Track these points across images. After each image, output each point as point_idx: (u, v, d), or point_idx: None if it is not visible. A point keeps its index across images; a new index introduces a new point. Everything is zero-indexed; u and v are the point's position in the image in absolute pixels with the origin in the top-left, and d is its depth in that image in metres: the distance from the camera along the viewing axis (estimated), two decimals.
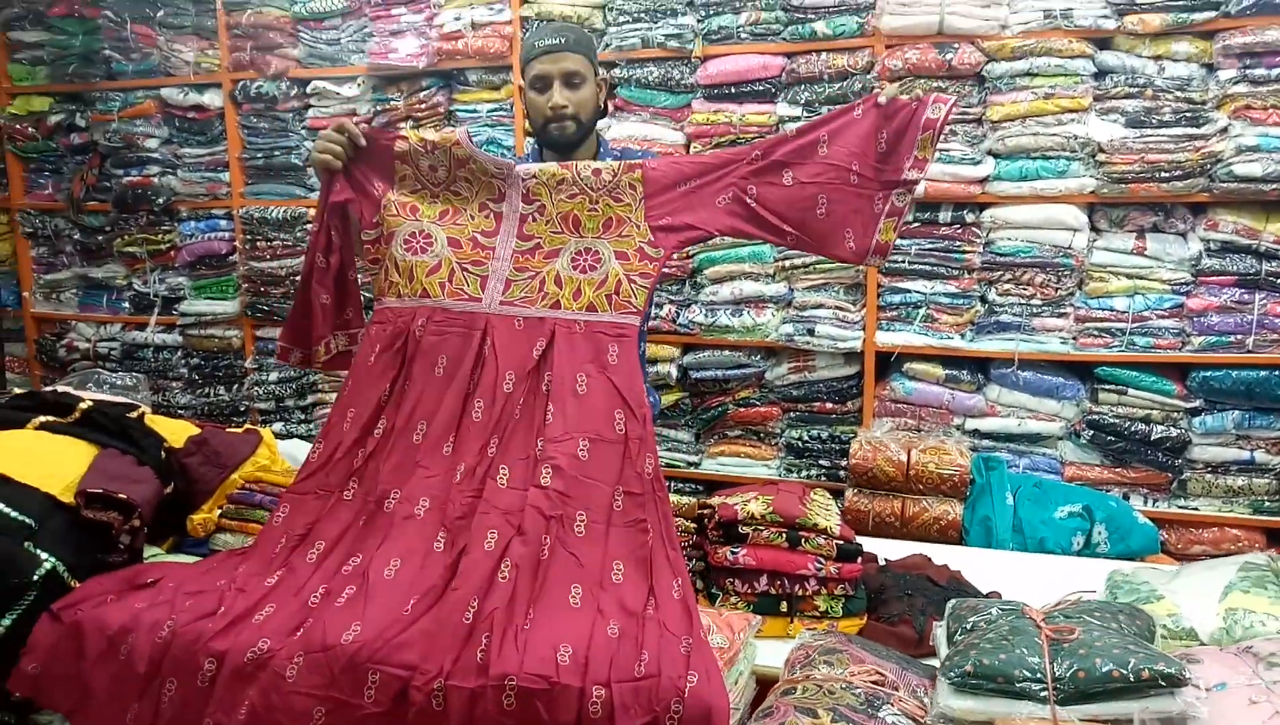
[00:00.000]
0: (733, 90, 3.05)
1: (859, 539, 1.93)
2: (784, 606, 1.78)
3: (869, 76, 2.91)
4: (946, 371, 3.02)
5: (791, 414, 3.21)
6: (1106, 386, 2.88)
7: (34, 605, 1.64)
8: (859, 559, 1.79)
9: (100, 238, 4.03)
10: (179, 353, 3.98)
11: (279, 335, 1.92)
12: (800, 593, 1.77)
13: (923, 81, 2.85)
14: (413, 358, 1.72)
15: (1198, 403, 2.81)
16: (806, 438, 3.18)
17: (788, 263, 3.08)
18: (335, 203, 1.81)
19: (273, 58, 3.55)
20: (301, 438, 3.74)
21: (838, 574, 1.76)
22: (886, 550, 2.15)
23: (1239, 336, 2.75)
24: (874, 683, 1.42)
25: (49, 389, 2.29)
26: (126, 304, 4.06)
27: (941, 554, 2.18)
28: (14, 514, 1.71)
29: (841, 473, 3.08)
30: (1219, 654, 1.39)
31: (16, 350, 4.35)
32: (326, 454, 1.70)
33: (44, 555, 1.68)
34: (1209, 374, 2.77)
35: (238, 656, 1.41)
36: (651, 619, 1.40)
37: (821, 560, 1.76)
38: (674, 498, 1.87)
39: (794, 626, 1.75)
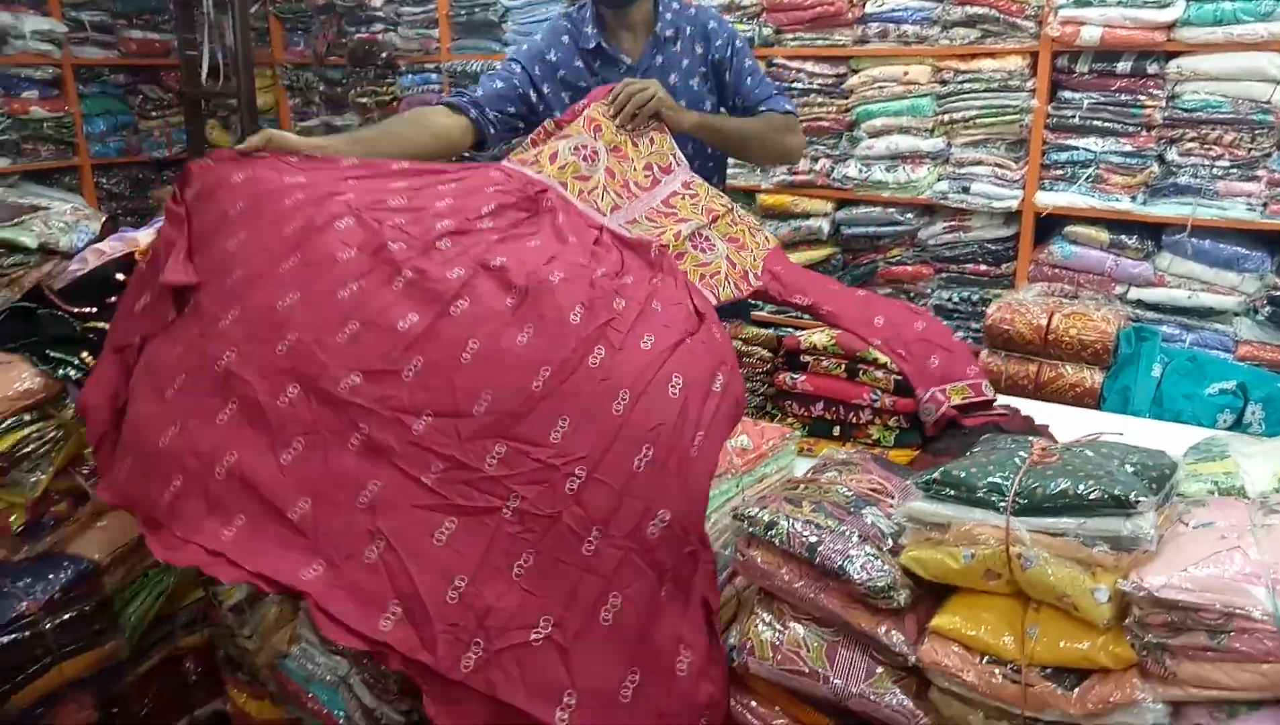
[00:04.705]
0: None
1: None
2: (836, 431, 1.90)
3: None
4: (1112, 236, 2.84)
5: (943, 275, 3.17)
6: None
7: None
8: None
9: (339, 89, 4.58)
10: None
11: None
12: (854, 421, 1.88)
13: None
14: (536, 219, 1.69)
15: None
16: (956, 299, 3.13)
17: (948, 117, 2.98)
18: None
19: None
20: None
21: (893, 406, 1.84)
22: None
23: None
24: (871, 490, 1.54)
25: None
26: None
27: (1065, 414, 2.14)
28: None
29: None
30: (1233, 503, 1.37)
31: None
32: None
33: None
34: None
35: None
36: None
37: (878, 392, 1.85)
38: (752, 329, 2.02)
39: (846, 448, 1.87)
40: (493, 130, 2.11)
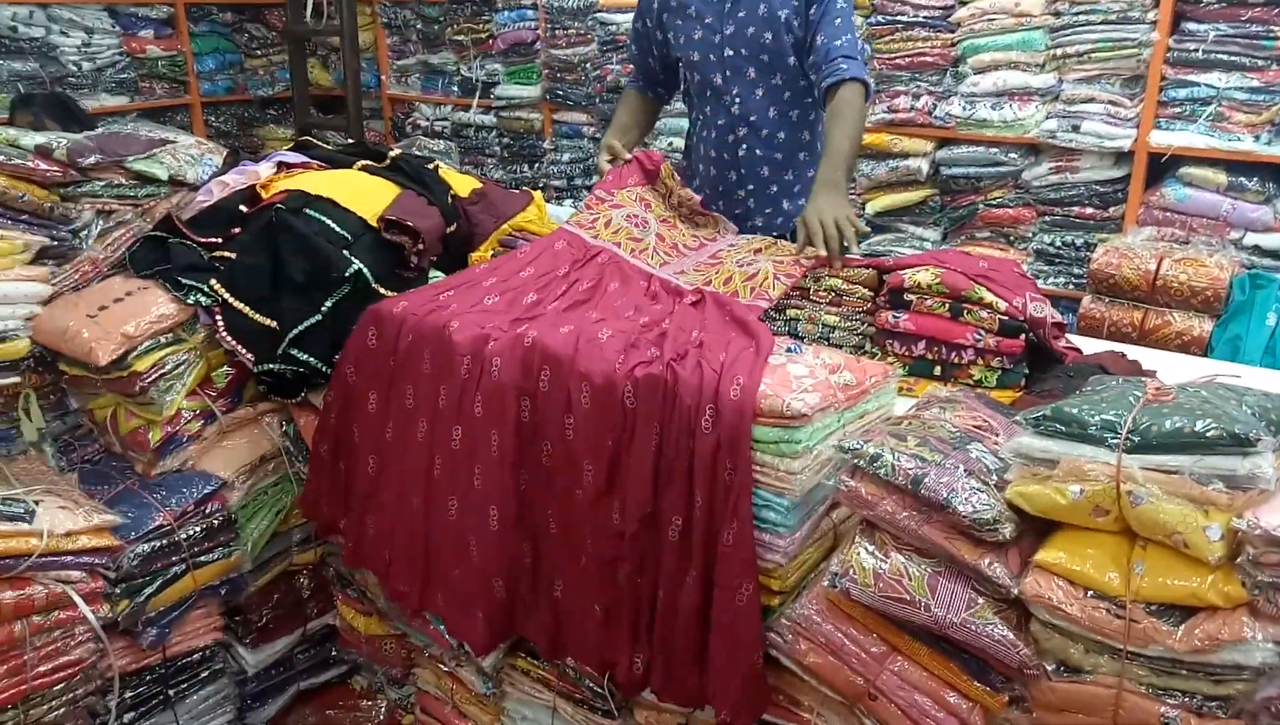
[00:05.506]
0: None
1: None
2: (938, 371, 1.89)
3: None
4: (1230, 178, 2.72)
5: (1046, 218, 3.08)
6: None
7: (348, 295, 2.19)
8: (1021, 336, 1.83)
9: (436, 27, 4.63)
10: (493, 132, 4.56)
11: None
12: (956, 360, 1.87)
13: None
14: (596, 276, 1.99)
15: None
16: (1059, 244, 3.05)
17: (1060, 51, 2.87)
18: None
19: None
20: None
21: (996, 347, 1.83)
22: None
23: None
24: (975, 426, 1.54)
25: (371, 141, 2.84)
26: (455, 87, 4.68)
27: (1174, 360, 2.09)
28: (337, 229, 2.25)
29: None
30: None
31: (376, 125, 5.21)
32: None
33: (355, 260, 2.22)
34: None
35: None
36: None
37: (982, 332, 1.84)
38: (851, 271, 2.01)
39: (948, 388, 1.87)
40: (664, 90, 2.55)
